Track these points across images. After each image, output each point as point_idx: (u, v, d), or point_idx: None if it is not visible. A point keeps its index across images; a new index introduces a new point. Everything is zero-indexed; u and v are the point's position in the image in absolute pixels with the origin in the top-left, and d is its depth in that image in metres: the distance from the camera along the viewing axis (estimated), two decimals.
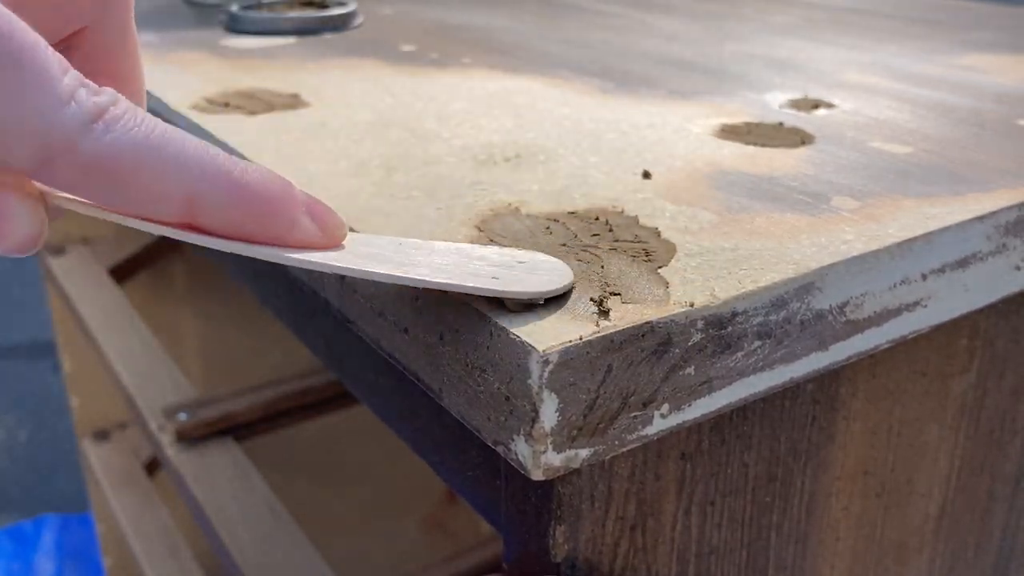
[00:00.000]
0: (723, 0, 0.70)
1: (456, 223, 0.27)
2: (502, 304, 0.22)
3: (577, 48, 0.52)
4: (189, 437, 0.70)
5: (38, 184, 0.23)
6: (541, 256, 0.24)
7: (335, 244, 0.23)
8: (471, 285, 0.22)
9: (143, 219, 0.22)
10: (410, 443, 0.30)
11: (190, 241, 0.23)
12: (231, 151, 0.34)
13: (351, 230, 0.24)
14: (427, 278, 0.22)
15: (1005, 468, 0.36)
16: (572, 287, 0.23)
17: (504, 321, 0.21)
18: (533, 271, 0.23)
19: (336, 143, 0.34)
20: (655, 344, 0.22)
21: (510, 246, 0.25)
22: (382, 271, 0.22)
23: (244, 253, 0.22)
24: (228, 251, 0.22)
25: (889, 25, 0.60)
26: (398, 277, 0.22)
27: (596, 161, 0.33)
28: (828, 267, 0.24)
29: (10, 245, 0.23)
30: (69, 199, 0.23)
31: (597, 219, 0.27)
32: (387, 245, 0.24)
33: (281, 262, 0.23)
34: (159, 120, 0.21)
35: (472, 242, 0.26)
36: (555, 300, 0.22)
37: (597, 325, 0.21)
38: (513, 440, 0.21)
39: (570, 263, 0.24)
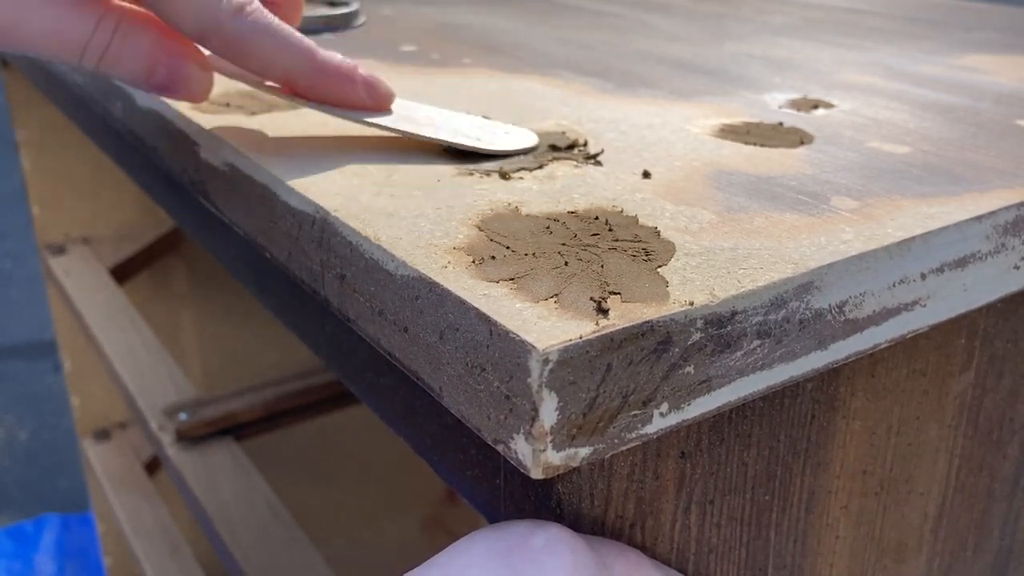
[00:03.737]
0: (723, 0, 0.70)
1: (456, 222, 0.27)
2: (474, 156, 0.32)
3: (577, 48, 0.52)
4: (189, 437, 0.70)
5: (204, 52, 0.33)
6: (517, 129, 0.34)
7: (384, 108, 0.35)
8: (456, 141, 0.33)
9: (263, 84, 0.34)
10: (410, 442, 0.30)
11: (296, 102, 0.34)
12: (232, 151, 0.34)
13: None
14: (429, 134, 0.33)
15: (1004, 467, 0.36)
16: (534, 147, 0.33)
17: (504, 320, 0.21)
18: (507, 135, 0.34)
19: (337, 143, 0.34)
20: (655, 343, 0.22)
21: (510, 246, 0.25)
22: (405, 128, 0.33)
23: (322, 111, 0.34)
24: (316, 110, 0.34)
25: (888, 25, 0.60)
26: (410, 133, 0.33)
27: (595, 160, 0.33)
28: (827, 266, 0.24)
29: (186, 95, 0.33)
30: (221, 65, 0.34)
31: (597, 219, 0.27)
32: (420, 111, 0.35)
33: (343, 118, 0.34)
34: (277, 18, 0.32)
35: (472, 243, 0.26)
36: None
37: (597, 324, 0.21)
38: (513, 439, 0.21)
39: (570, 262, 0.24)
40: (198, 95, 0.33)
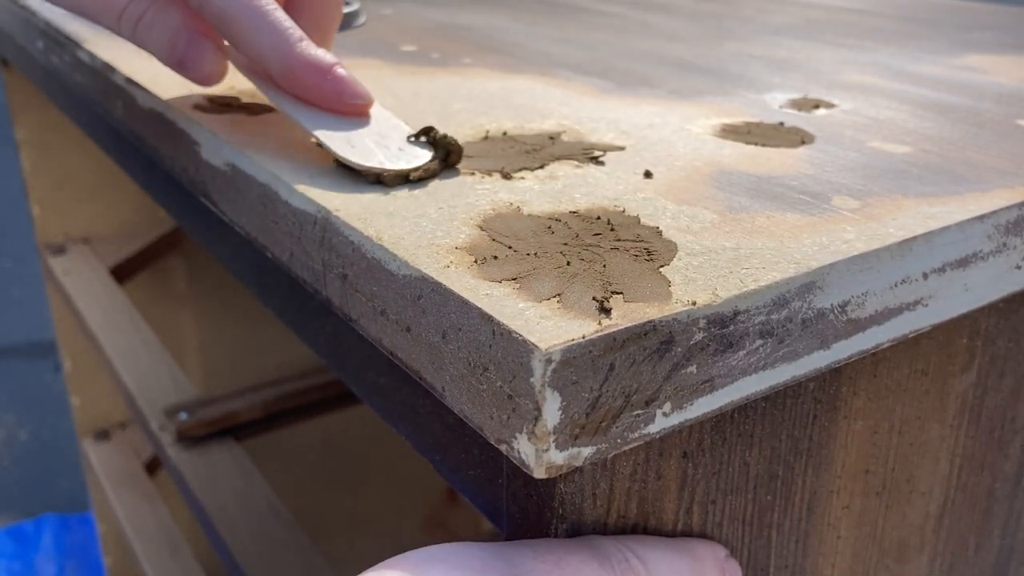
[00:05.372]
0: (723, 0, 0.70)
1: (458, 222, 0.27)
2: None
3: (577, 48, 0.52)
4: (190, 437, 0.70)
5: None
6: (419, 151, 0.32)
7: (353, 111, 0.33)
8: (333, 148, 0.31)
9: (252, 71, 0.35)
10: (412, 442, 0.30)
11: (263, 92, 0.35)
12: (233, 151, 0.34)
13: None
14: (313, 130, 0.32)
15: (1005, 467, 0.36)
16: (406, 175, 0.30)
17: (507, 320, 0.21)
18: (394, 155, 0.31)
19: None
20: (657, 343, 0.22)
21: (512, 246, 0.25)
22: (321, 137, 0.32)
23: (276, 104, 0.34)
24: (272, 103, 0.34)
25: (889, 25, 0.60)
26: (322, 143, 0.32)
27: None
28: (829, 266, 0.24)
29: (199, 74, 0.35)
30: (235, 57, 0.36)
31: (599, 218, 0.27)
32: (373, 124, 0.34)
33: (289, 117, 0.33)
34: (270, 3, 0.33)
35: (474, 242, 0.26)
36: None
37: (599, 324, 0.21)
38: (516, 438, 0.21)
39: (572, 262, 0.24)
40: (210, 77, 0.35)
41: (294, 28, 0.33)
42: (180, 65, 0.35)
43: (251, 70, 0.36)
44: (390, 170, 0.30)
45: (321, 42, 0.36)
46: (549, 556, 0.23)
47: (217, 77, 0.36)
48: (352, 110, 0.33)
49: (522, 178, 0.31)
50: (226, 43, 0.36)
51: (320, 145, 0.32)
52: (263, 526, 0.62)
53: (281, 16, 0.33)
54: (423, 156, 0.31)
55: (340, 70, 0.33)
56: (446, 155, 0.31)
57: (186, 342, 1.06)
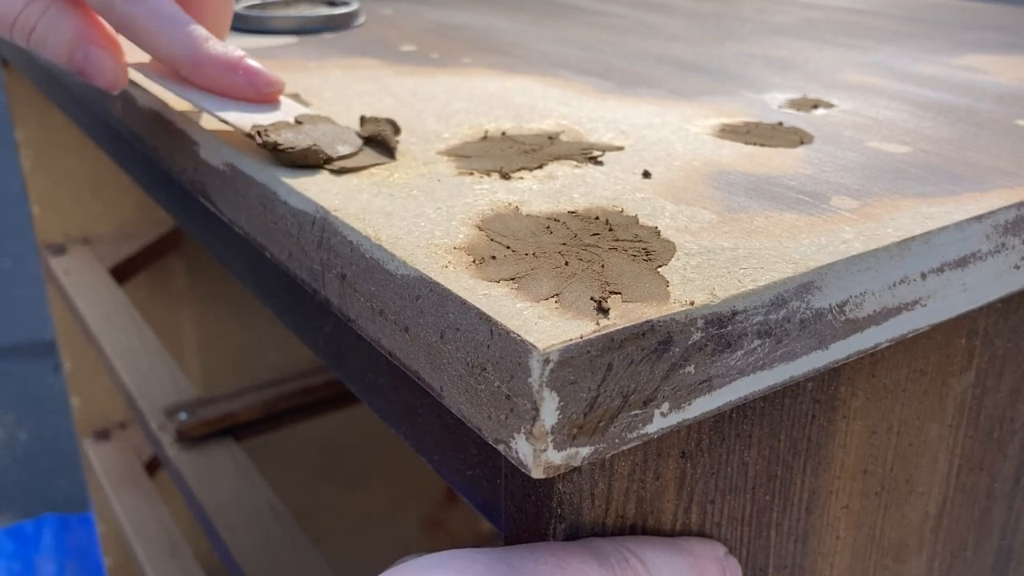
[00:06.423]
0: (723, 0, 0.70)
1: (456, 222, 0.27)
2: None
3: (577, 48, 0.52)
4: (190, 437, 0.70)
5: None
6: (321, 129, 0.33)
7: (267, 99, 0.35)
8: (220, 115, 0.34)
9: (160, 73, 0.36)
10: (410, 442, 0.30)
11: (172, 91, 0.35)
12: (232, 151, 0.34)
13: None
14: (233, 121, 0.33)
15: (1004, 467, 0.36)
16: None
17: (505, 320, 0.21)
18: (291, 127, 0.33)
19: None
20: (655, 343, 0.22)
21: (510, 246, 0.25)
22: (229, 118, 0.33)
23: (181, 97, 0.35)
24: (180, 97, 0.35)
25: (888, 25, 0.60)
26: (230, 123, 0.33)
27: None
28: (827, 266, 0.24)
29: (99, 82, 0.35)
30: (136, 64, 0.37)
31: (597, 218, 0.27)
32: (289, 108, 0.35)
33: (193, 103, 0.35)
34: (170, 5, 0.33)
35: (473, 242, 0.26)
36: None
37: (597, 324, 0.21)
38: (514, 438, 0.21)
39: (571, 262, 0.24)
40: (111, 84, 0.35)
41: (199, 27, 0.34)
42: (80, 74, 0.35)
43: (152, 70, 0.36)
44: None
45: (220, 37, 0.37)
46: (550, 558, 0.23)
47: (119, 84, 0.36)
48: (265, 98, 0.35)
49: (521, 178, 0.31)
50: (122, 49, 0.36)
51: (228, 123, 0.34)
52: (263, 526, 0.62)
53: (185, 18, 0.34)
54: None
55: (249, 61, 0.34)
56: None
57: (186, 342, 1.06)
